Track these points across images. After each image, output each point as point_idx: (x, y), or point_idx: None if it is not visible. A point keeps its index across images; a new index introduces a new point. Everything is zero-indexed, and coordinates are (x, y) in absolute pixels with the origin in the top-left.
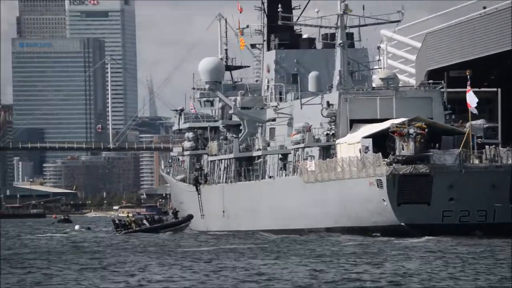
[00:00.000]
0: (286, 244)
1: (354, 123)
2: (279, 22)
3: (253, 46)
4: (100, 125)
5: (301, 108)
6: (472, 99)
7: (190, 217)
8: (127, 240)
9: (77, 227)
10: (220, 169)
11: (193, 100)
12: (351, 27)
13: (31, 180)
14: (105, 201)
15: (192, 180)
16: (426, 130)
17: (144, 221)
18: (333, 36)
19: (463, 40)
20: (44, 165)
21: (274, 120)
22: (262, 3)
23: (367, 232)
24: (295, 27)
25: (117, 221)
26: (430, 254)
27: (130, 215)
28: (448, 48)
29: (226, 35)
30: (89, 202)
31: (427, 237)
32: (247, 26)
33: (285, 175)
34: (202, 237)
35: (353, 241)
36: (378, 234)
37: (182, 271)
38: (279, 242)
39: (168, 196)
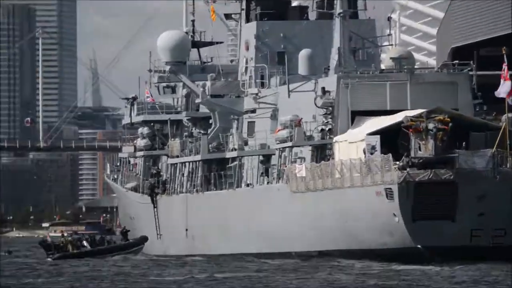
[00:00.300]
0: (271, 277)
1: (357, 115)
2: None
3: (227, 16)
4: (29, 118)
5: (289, 97)
6: (505, 88)
7: (143, 239)
8: (59, 268)
9: None
10: (183, 174)
11: (150, 86)
12: None
13: None
14: (32, 217)
15: (146, 189)
16: (450, 124)
17: (84, 242)
18: (331, 3)
19: (497, 9)
20: None
21: (253, 111)
22: None
23: (373, 256)
24: None
25: (48, 241)
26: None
27: (66, 234)
28: (478, 19)
29: (193, 2)
30: (11, 217)
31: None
32: None
33: (268, 183)
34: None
35: (363, 269)
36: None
37: None
38: (260, 276)
39: (115, 210)
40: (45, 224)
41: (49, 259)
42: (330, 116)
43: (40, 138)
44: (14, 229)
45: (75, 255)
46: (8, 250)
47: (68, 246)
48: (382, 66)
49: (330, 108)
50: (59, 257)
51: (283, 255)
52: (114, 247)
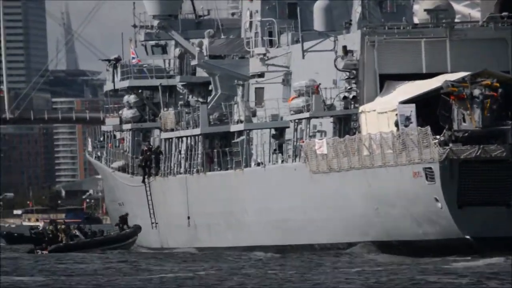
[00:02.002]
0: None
1: (387, 80)
2: None
3: None
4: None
5: (304, 57)
6: None
7: (137, 229)
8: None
9: None
10: (180, 151)
11: (135, 44)
12: None
13: None
14: (0, 203)
15: (137, 169)
16: (500, 90)
17: (76, 232)
18: None
19: None
20: None
21: (261, 76)
22: None
23: (410, 248)
24: None
25: (39, 229)
26: None
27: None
28: None
29: None
30: None
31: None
32: None
33: (282, 162)
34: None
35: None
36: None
37: None
38: (276, 273)
39: (100, 193)
40: (17, 212)
41: (39, 251)
42: (354, 81)
43: (6, 108)
44: None
45: (70, 247)
46: None
47: (61, 236)
48: (415, 20)
49: (354, 72)
50: (54, 249)
51: (303, 248)
52: (112, 238)
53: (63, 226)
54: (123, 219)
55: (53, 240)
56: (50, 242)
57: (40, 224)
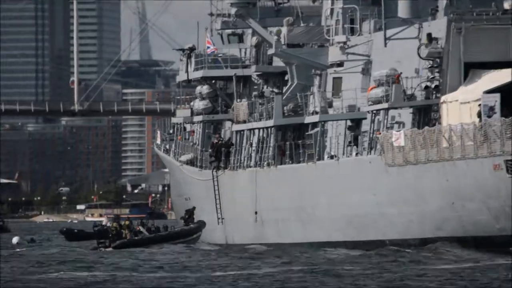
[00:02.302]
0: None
1: (472, 68)
2: None
3: None
4: (75, 78)
5: (385, 46)
6: None
7: (202, 224)
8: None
9: (15, 239)
10: (251, 144)
11: (211, 33)
12: None
13: None
14: (64, 198)
15: (205, 162)
16: None
17: (141, 228)
18: None
19: None
20: None
21: (340, 65)
22: None
23: (490, 244)
24: None
25: (104, 225)
26: None
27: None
28: None
29: None
30: (39, 198)
31: None
32: None
33: (357, 154)
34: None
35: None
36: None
37: None
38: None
39: (166, 188)
40: (80, 207)
41: (102, 249)
42: (437, 70)
43: (75, 100)
44: (42, 212)
45: (134, 243)
46: (31, 238)
47: (125, 232)
48: (506, 6)
49: (438, 60)
50: (119, 245)
51: (375, 244)
52: (175, 234)
53: (127, 222)
54: (190, 212)
55: (117, 237)
56: (114, 239)
57: (104, 220)
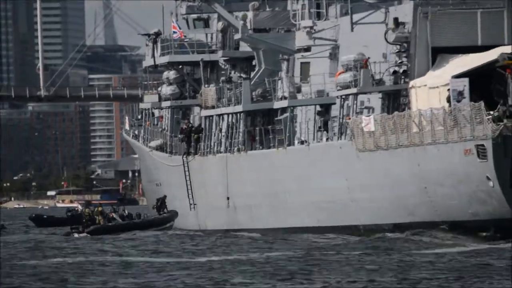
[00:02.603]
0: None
1: (439, 53)
2: None
3: None
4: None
5: (352, 30)
6: None
7: (175, 214)
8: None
9: None
10: (220, 130)
11: (176, 18)
12: None
13: None
14: (34, 184)
15: (175, 148)
16: None
17: (113, 214)
18: None
19: None
20: None
21: (308, 50)
22: None
23: (461, 229)
24: None
25: (78, 211)
26: None
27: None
28: None
29: None
30: (8, 184)
31: None
32: None
33: (327, 140)
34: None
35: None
36: (486, 234)
37: None
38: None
39: (136, 174)
40: (50, 193)
41: (75, 234)
42: (405, 55)
43: (41, 85)
44: (12, 198)
45: (107, 229)
46: (1, 224)
47: (98, 218)
48: None
49: (405, 45)
50: (93, 231)
51: (348, 229)
52: (148, 222)
53: (100, 209)
54: (161, 201)
55: (90, 223)
56: (87, 225)
57: (79, 206)
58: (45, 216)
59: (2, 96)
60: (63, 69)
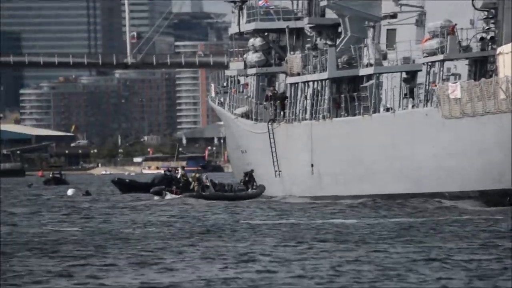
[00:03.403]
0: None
1: None
2: None
3: None
4: (134, 33)
5: None
6: None
7: (263, 189)
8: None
9: (70, 191)
10: (306, 97)
11: None
12: None
13: (0, 115)
14: (120, 150)
15: (261, 115)
16: None
17: (207, 182)
18: None
19: None
20: (21, 91)
21: (394, 16)
22: None
23: None
24: None
25: (176, 174)
26: None
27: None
28: None
29: None
30: (95, 151)
31: None
32: None
33: (413, 107)
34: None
35: None
36: None
37: None
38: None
39: (222, 141)
40: (137, 159)
41: (168, 195)
42: (492, 21)
43: (128, 52)
44: (99, 165)
45: (201, 198)
46: (86, 190)
47: (194, 184)
48: None
49: (493, 11)
50: (187, 196)
51: (433, 196)
52: (240, 196)
53: (197, 175)
54: (250, 176)
55: (185, 187)
56: (182, 189)
57: (180, 170)
58: (127, 180)
59: (90, 64)
60: (150, 37)
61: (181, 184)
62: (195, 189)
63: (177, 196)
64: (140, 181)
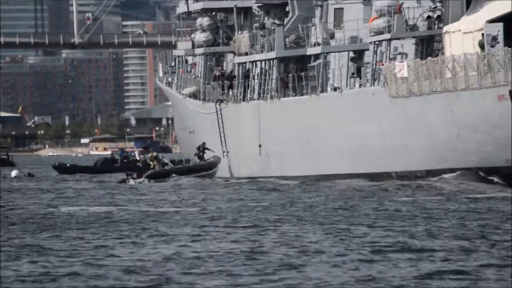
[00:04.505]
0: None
1: None
2: None
3: None
4: (90, 14)
5: None
6: None
7: (219, 159)
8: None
9: (13, 173)
10: (253, 76)
11: None
12: None
13: None
14: (67, 131)
15: (208, 95)
16: None
17: (165, 159)
18: None
19: None
20: None
21: None
22: None
23: (493, 175)
24: None
25: (135, 157)
26: None
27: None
28: None
29: None
30: (42, 132)
31: None
32: None
33: (360, 86)
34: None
35: None
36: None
37: None
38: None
39: (169, 121)
40: (84, 140)
41: (131, 181)
42: (439, 0)
43: (75, 32)
44: (46, 146)
45: (164, 174)
46: (28, 172)
47: (153, 163)
48: None
49: None
50: (150, 175)
51: (380, 176)
52: (200, 166)
53: (154, 154)
54: (203, 148)
55: (145, 169)
56: (143, 170)
57: (137, 152)
58: (67, 165)
59: (37, 43)
60: (97, 16)
61: (140, 165)
62: (156, 168)
63: (140, 180)
64: (81, 165)
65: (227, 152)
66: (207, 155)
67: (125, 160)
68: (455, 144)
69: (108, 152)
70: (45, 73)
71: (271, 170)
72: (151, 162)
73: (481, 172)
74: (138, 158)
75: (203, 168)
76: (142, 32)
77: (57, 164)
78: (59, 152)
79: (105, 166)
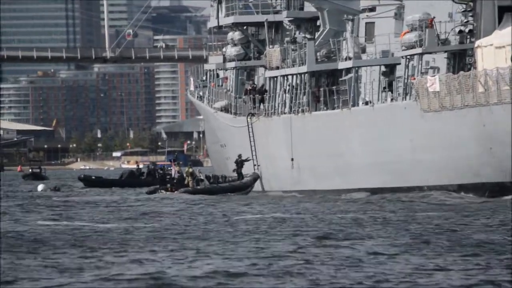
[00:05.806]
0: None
1: (506, 12)
2: None
3: None
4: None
5: None
6: None
7: (256, 177)
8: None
9: (40, 187)
10: (285, 90)
11: None
12: None
13: None
14: (99, 145)
15: (240, 109)
16: None
17: (201, 176)
18: None
19: None
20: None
21: (373, 10)
22: None
23: None
24: None
25: (172, 173)
26: None
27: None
28: None
29: None
30: (74, 145)
31: None
32: None
33: (392, 100)
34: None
35: None
36: None
37: None
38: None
39: (200, 135)
40: (116, 154)
41: (162, 191)
42: (471, 14)
43: (106, 46)
44: (78, 159)
45: (197, 192)
46: (55, 186)
47: (188, 179)
48: None
49: (471, 3)
50: (183, 192)
51: (412, 190)
52: (234, 186)
53: (190, 170)
54: (240, 162)
55: (180, 183)
56: (177, 185)
57: (174, 168)
58: (93, 177)
59: (69, 58)
60: (128, 31)
61: (175, 181)
62: (189, 184)
63: (172, 193)
64: (106, 178)
65: (258, 165)
66: (246, 168)
67: (151, 173)
68: (487, 159)
69: (140, 166)
70: (77, 87)
71: (303, 184)
72: (186, 177)
73: None
74: (172, 174)
75: (236, 188)
76: (163, 46)
77: (82, 176)
78: (91, 165)
79: (131, 179)
